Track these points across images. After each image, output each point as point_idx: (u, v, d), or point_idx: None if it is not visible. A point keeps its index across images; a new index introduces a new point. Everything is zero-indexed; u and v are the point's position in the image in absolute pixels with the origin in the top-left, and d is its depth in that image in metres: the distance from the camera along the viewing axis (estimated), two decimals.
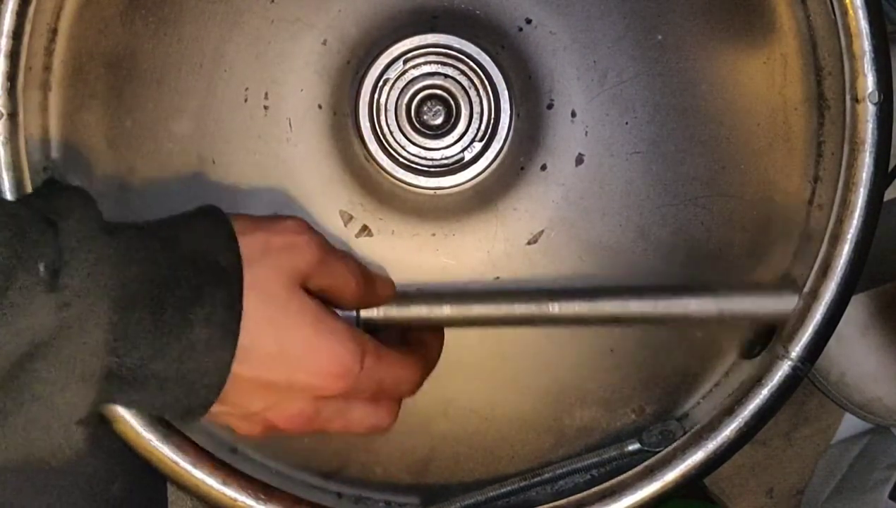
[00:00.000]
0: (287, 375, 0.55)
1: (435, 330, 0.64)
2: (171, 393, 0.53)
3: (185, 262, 0.53)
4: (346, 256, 0.60)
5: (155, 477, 0.64)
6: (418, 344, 0.63)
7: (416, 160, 0.65)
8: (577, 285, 0.65)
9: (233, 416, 0.57)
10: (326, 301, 0.58)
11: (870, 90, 0.61)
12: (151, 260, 0.52)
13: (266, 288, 0.55)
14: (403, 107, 0.65)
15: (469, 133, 0.65)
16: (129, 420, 0.62)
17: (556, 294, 0.63)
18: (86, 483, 0.69)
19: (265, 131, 0.66)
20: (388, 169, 0.65)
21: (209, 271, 0.53)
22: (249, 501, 0.63)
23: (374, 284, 0.61)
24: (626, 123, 0.66)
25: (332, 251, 0.59)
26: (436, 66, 0.65)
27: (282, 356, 0.55)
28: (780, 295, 0.63)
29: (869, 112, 0.62)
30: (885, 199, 0.65)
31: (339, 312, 0.60)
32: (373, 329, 0.61)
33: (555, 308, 0.63)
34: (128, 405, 0.55)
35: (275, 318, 0.55)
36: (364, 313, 0.62)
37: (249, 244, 0.55)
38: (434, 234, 0.66)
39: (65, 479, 0.69)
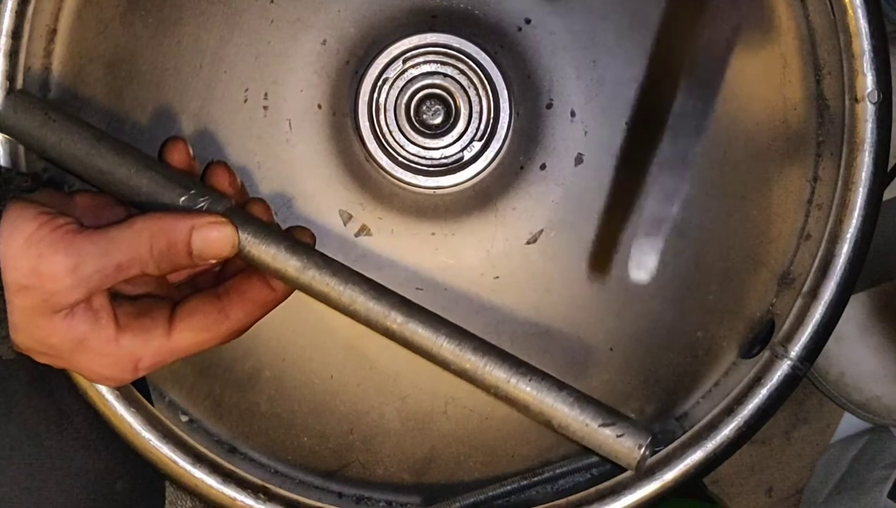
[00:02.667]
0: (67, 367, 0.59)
1: (271, 283, 0.59)
2: None
3: None
4: (108, 253, 0.56)
5: (155, 475, 0.64)
6: (237, 294, 0.59)
7: (416, 159, 0.65)
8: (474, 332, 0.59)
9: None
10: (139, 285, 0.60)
11: (869, 89, 0.61)
12: None
13: (21, 323, 0.56)
14: (403, 106, 0.65)
15: (468, 132, 0.65)
16: (129, 419, 0.63)
17: (412, 310, 0.58)
18: (90, 480, 0.70)
19: (265, 132, 0.66)
20: (388, 168, 0.65)
21: None
22: (249, 501, 0.63)
23: (176, 247, 0.57)
24: (626, 123, 0.66)
25: (89, 272, 0.55)
26: (435, 65, 0.65)
27: (58, 363, 0.58)
28: (622, 445, 0.58)
29: (868, 111, 0.62)
30: (885, 199, 0.65)
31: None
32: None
33: (395, 320, 0.58)
34: None
35: (37, 350, 0.57)
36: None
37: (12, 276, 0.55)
38: (433, 234, 0.66)
39: (70, 476, 0.69)
